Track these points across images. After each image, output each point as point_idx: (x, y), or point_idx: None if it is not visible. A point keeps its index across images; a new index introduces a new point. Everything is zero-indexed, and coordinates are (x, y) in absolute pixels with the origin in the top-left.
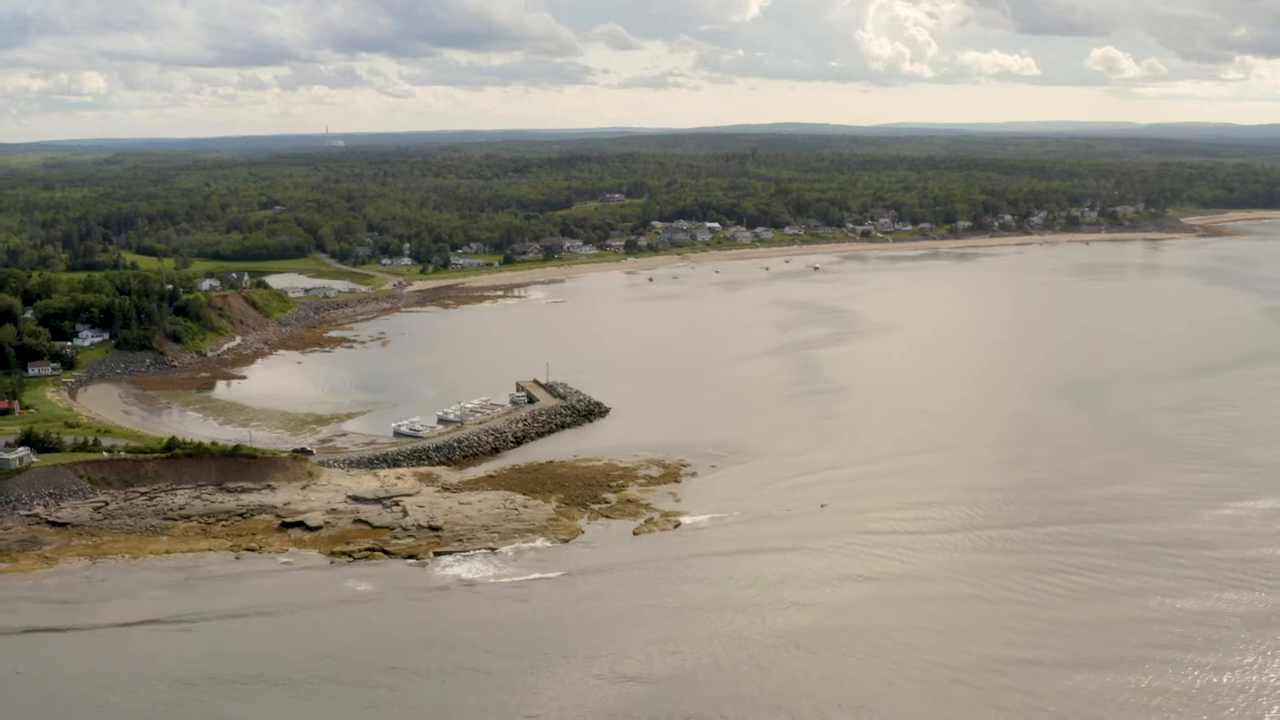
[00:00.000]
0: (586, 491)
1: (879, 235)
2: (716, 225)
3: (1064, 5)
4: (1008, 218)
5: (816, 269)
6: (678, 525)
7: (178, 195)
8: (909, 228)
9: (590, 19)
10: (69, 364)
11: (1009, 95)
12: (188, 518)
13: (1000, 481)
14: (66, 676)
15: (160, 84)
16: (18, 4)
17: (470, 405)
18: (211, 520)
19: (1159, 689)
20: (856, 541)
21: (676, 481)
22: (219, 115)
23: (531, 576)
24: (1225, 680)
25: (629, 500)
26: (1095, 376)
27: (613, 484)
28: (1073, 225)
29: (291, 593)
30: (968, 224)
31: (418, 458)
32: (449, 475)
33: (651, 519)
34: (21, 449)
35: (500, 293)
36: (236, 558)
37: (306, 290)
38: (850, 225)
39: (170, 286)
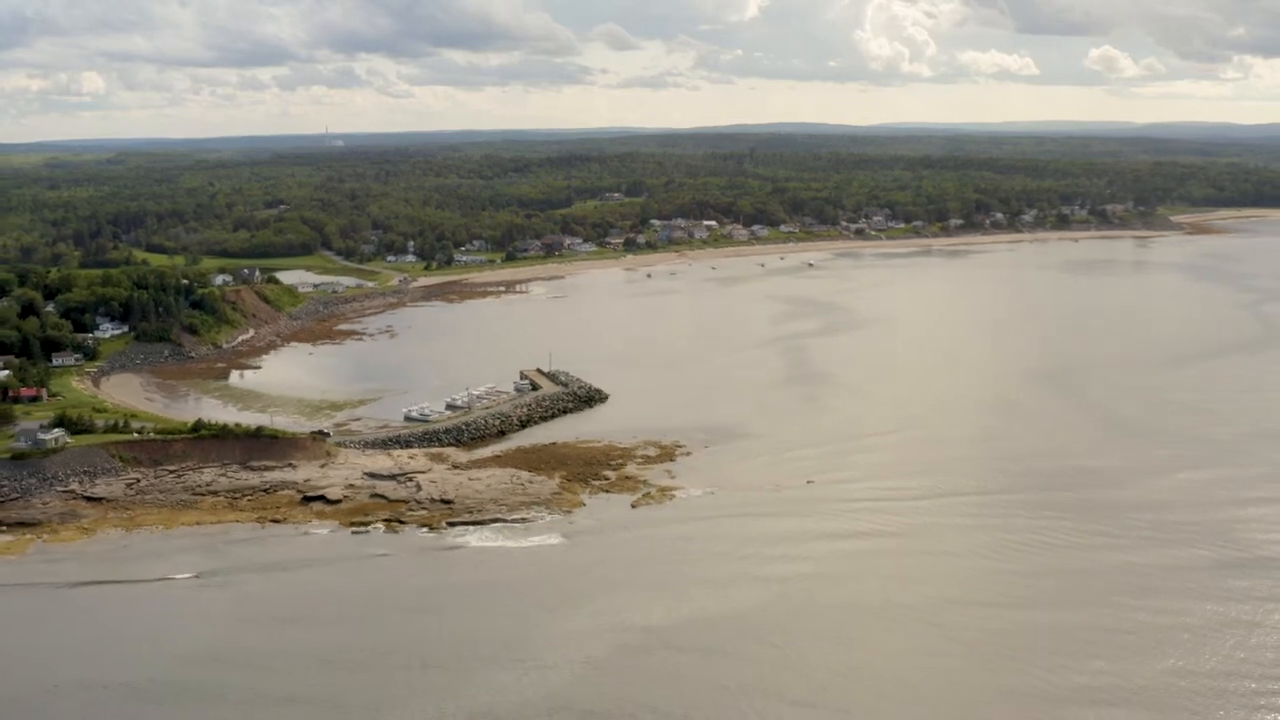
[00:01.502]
0: (588, 469)
1: (872, 233)
2: (713, 223)
3: (1062, 5)
4: (999, 216)
5: (811, 265)
6: (673, 498)
7: (183, 195)
8: (902, 225)
9: (589, 19)
10: (91, 355)
11: (1008, 95)
12: (215, 493)
13: (973, 455)
14: (119, 618)
15: (159, 84)
16: (17, 4)
17: (477, 392)
18: (237, 495)
19: (1102, 626)
20: (837, 508)
21: (672, 460)
22: (218, 115)
23: (537, 542)
24: (1163, 620)
25: (627, 477)
26: (1072, 365)
27: (612, 462)
28: (1063, 223)
29: (315, 554)
30: (960, 222)
31: (429, 439)
32: (458, 455)
33: (649, 493)
34: (57, 430)
35: (503, 288)
36: (263, 527)
37: (315, 286)
38: (844, 223)
39: (186, 281)
